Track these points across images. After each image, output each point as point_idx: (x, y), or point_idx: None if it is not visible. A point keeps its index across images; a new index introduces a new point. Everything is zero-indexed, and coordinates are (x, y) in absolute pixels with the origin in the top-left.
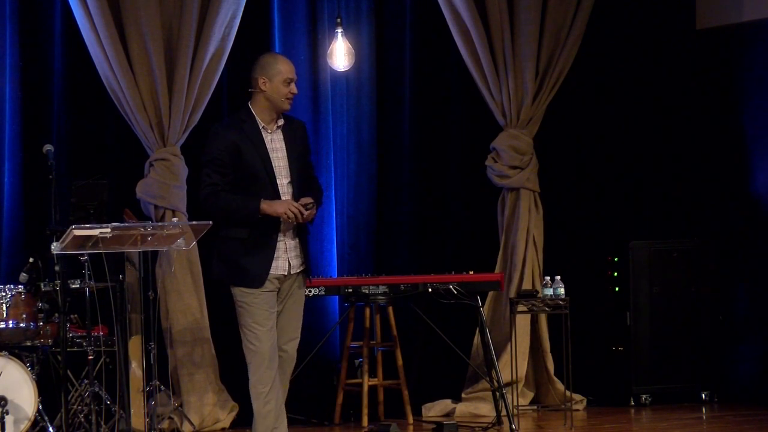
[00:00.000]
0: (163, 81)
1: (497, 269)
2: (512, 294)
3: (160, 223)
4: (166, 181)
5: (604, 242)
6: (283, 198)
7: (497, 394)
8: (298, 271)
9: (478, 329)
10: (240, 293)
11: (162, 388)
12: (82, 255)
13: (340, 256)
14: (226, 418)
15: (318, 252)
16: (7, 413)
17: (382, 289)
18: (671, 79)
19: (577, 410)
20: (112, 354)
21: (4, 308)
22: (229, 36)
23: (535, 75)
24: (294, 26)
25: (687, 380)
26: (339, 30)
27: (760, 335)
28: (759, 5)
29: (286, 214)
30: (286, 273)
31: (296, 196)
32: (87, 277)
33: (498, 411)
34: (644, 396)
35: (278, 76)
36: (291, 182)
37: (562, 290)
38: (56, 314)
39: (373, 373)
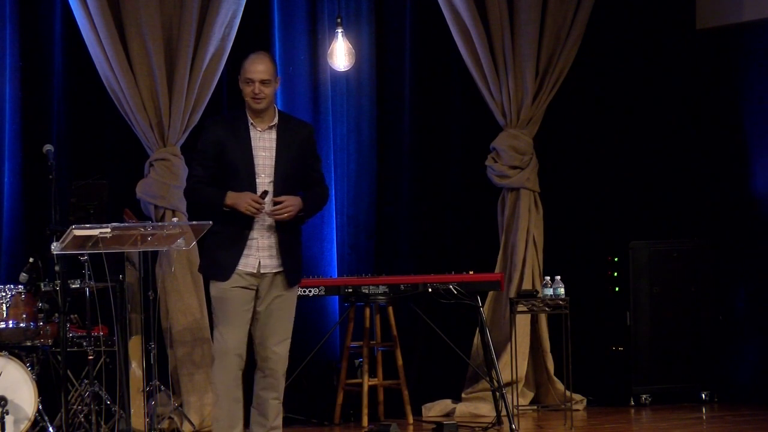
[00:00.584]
0: (163, 81)
1: (497, 269)
2: (512, 294)
3: (160, 223)
4: (166, 181)
5: (604, 242)
6: (286, 197)
7: (497, 394)
8: (274, 271)
9: (478, 329)
10: (212, 286)
11: (162, 388)
12: (82, 255)
13: (340, 256)
14: None
15: (318, 252)
16: (7, 413)
17: (382, 289)
18: (671, 79)
19: (577, 410)
20: (112, 354)
21: (4, 308)
22: (229, 36)
23: (535, 75)
24: (294, 26)
25: (687, 380)
26: (339, 30)
27: (760, 335)
28: (759, 5)
29: (245, 209)
30: (255, 271)
31: (276, 196)
32: (87, 277)
33: (498, 411)
34: (644, 396)
35: (242, 76)
36: (273, 182)
37: (562, 290)
38: (56, 314)
39: (373, 373)
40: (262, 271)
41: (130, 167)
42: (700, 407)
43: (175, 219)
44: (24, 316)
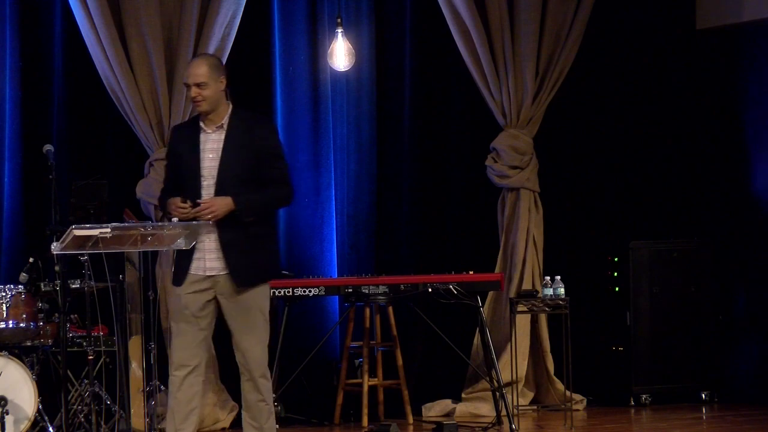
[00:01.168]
0: (163, 81)
1: (497, 269)
2: (512, 294)
3: (160, 223)
4: None
5: (604, 242)
6: (211, 197)
7: (497, 394)
8: (222, 273)
9: (478, 329)
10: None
11: (162, 387)
12: (82, 255)
13: (340, 256)
14: (226, 419)
15: (318, 252)
16: (7, 413)
17: (382, 289)
18: (671, 79)
19: (577, 410)
20: (112, 354)
21: (4, 308)
22: (229, 36)
23: (535, 75)
24: (294, 26)
25: (687, 380)
26: (339, 30)
27: (760, 335)
28: (759, 5)
29: (174, 213)
30: (204, 274)
31: (218, 194)
32: (87, 277)
33: (498, 411)
34: (644, 396)
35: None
36: (215, 183)
37: (562, 290)
38: (56, 314)
39: (373, 373)
40: (208, 274)
41: (130, 167)
42: (700, 407)
43: (175, 219)
44: (24, 316)
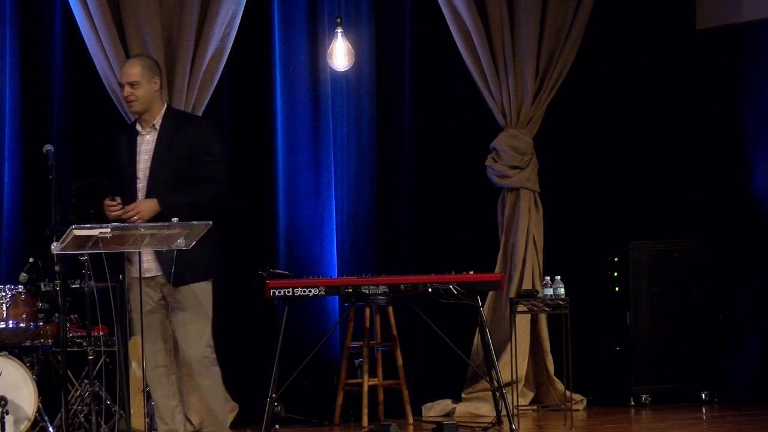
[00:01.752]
0: (163, 81)
1: (497, 269)
2: (512, 294)
3: (159, 223)
4: None
5: (604, 242)
6: (137, 200)
7: (497, 394)
8: (157, 274)
9: (478, 329)
10: None
11: None
12: (82, 255)
13: (340, 256)
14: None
15: (318, 252)
16: (7, 413)
17: (382, 289)
18: (671, 79)
19: (577, 410)
20: (112, 354)
21: (4, 308)
22: (229, 36)
23: (535, 75)
24: (294, 26)
25: (687, 380)
26: (339, 30)
27: (760, 335)
28: (759, 5)
29: (107, 215)
30: (144, 275)
31: (147, 196)
32: (87, 277)
33: (498, 411)
34: (644, 396)
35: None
36: (146, 185)
37: (562, 290)
38: (56, 314)
39: (373, 373)
40: (147, 275)
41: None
42: (699, 407)
43: (175, 219)
44: (24, 316)
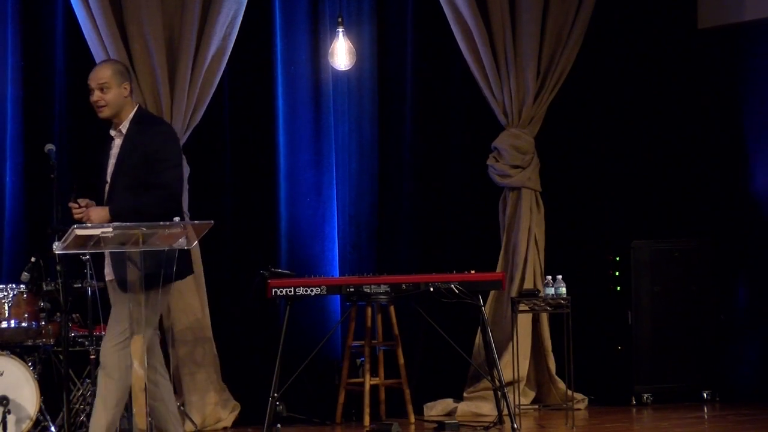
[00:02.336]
0: (164, 80)
1: (499, 268)
2: (514, 293)
3: (161, 223)
4: None
5: (605, 242)
6: (90, 207)
7: (499, 393)
8: (110, 279)
9: (479, 328)
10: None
11: None
12: (84, 254)
13: (342, 256)
14: (228, 418)
15: (319, 251)
16: (9, 413)
17: (383, 288)
18: (672, 79)
19: (579, 409)
20: None
21: (6, 308)
22: (231, 35)
23: (536, 74)
24: (295, 26)
25: (688, 379)
26: (340, 29)
27: (762, 334)
28: (760, 5)
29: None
30: (107, 279)
31: (107, 202)
32: (89, 276)
33: (500, 410)
34: (646, 395)
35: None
36: (108, 188)
37: (563, 289)
38: (58, 313)
39: (374, 373)
40: (107, 278)
41: None
42: (701, 406)
43: (176, 218)
44: (26, 315)
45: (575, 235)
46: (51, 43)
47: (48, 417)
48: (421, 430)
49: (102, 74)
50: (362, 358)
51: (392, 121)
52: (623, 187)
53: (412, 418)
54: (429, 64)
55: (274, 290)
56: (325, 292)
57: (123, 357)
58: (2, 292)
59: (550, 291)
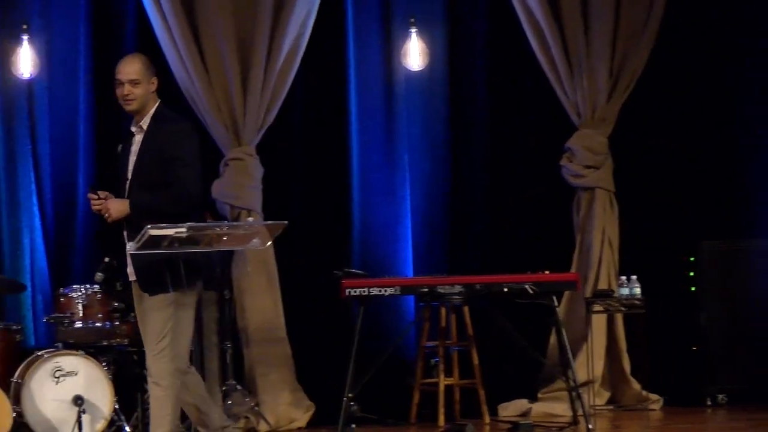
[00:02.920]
0: (237, 81)
1: (573, 269)
2: (588, 294)
3: (235, 223)
4: (240, 181)
5: (679, 241)
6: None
7: (573, 393)
8: (133, 279)
9: (553, 329)
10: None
11: (238, 387)
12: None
13: (415, 256)
14: (302, 418)
15: (393, 251)
16: (84, 412)
17: (457, 288)
18: (747, 77)
19: (653, 410)
20: None
21: (80, 308)
22: (304, 35)
23: (609, 74)
24: (368, 26)
25: (763, 380)
26: (413, 30)
27: None
28: None
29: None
30: (130, 279)
31: (128, 197)
32: None
33: (574, 411)
34: (720, 396)
35: (115, 79)
36: (128, 184)
37: (638, 290)
38: (131, 313)
39: (449, 373)
40: (131, 279)
41: (205, 167)
42: None
43: (250, 219)
44: (99, 315)
45: (649, 235)
46: (123, 46)
47: (122, 417)
48: (495, 430)
49: (133, 68)
50: (436, 359)
51: (464, 122)
52: (696, 186)
53: (487, 419)
54: (501, 65)
55: (348, 290)
56: (399, 293)
57: (167, 363)
58: (76, 292)
59: (625, 291)
